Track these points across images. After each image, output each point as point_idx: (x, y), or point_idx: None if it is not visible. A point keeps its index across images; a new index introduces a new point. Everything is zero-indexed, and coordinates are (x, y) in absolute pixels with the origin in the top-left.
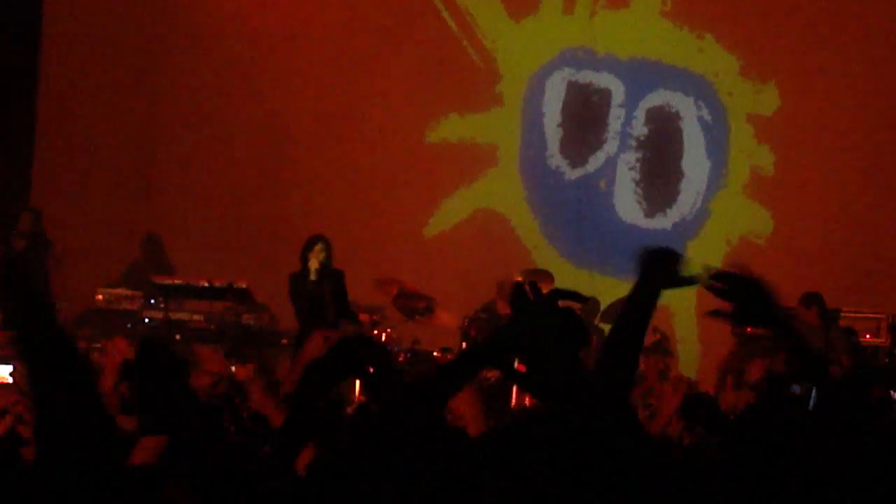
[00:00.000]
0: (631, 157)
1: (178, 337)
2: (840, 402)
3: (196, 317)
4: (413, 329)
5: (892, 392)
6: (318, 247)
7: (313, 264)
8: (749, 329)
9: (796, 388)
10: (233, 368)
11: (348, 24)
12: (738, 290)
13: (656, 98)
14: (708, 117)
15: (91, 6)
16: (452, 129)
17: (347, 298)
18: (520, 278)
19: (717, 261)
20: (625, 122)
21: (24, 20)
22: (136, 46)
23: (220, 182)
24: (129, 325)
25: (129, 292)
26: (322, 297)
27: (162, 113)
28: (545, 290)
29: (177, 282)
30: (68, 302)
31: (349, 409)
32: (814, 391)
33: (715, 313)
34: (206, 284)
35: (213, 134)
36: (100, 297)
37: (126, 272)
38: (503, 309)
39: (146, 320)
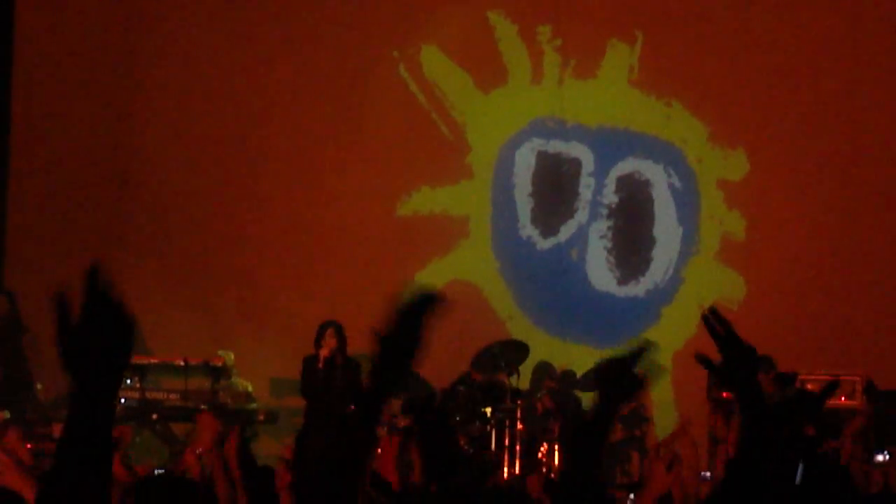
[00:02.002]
0: (602, 225)
1: (154, 416)
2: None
3: (172, 395)
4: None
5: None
6: (329, 332)
7: (324, 351)
8: (725, 395)
9: None
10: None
11: (317, 98)
12: (731, 345)
13: (626, 166)
14: (678, 184)
15: (59, 87)
16: (423, 201)
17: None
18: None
19: (691, 327)
20: (595, 191)
21: None
22: (102, 125)
23: (193, 260)
24: None
25: None
26: (331, 384)
27: (132, 189)
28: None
29: (152, 361)
30: (45, 385)
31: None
32: (800, 465)
33: (703, 360)
34: (182, 363)
35: (185, 211)
36: None
37: None
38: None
39: (122, 400)
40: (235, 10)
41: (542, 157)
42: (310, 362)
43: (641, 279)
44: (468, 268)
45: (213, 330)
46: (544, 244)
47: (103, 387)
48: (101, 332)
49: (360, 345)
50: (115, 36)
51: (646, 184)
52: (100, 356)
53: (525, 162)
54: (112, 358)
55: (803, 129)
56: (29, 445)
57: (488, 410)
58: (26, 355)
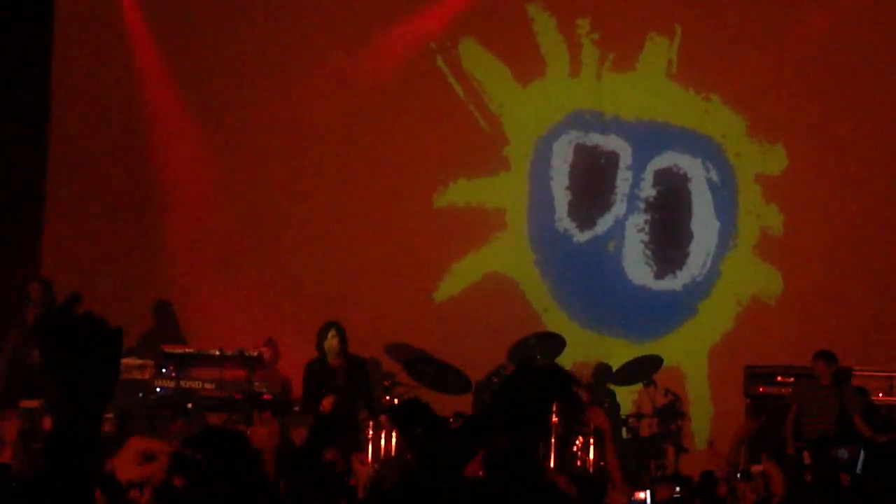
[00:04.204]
0: (639, 219)
1: (189, 405)
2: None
3: (207, 385)
4: (425, 394)
5: None
6: (331, 333)
7: (331, 356)
8: (761, 389)
9: (843, 453)
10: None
11: (354, 90)
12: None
13: (664, 160)
14: (716, 178)
15: (96, 80)
16: (460, 193)
17: (370, 388)
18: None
19: (728, 321)
20: (633, 185)
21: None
22: (138, 116)
23: (230, 249)
24: (140, 395)
25: (139, 361)
26: (338, 385)
27: (170, 180)
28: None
29: (188, 350)
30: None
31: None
32: (861, 454)
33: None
34: (217, 352)
35: (222, 201)
36: None
37: (137, 341)
38: None
39: (157, 389)
40: (270, 2)
41: (580, 149)
42: (314, 368)
43: (678, 273)
44: (504, 260)
45: (249, 320)
46: (581, 237)
47: (89, 407)
48: (85, 354)
49: (402, 336)
50: (148, 35)
51: (683, 177)
52: (85, 376)
53: (562, 154)
54: (96, 379)
55: (842, 123)
56: None
57: None
58: None
